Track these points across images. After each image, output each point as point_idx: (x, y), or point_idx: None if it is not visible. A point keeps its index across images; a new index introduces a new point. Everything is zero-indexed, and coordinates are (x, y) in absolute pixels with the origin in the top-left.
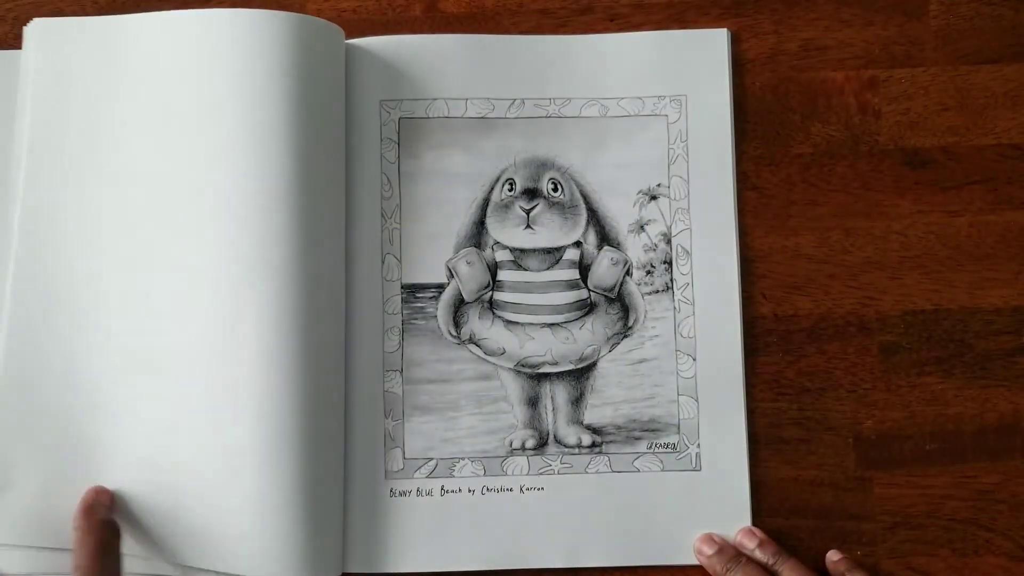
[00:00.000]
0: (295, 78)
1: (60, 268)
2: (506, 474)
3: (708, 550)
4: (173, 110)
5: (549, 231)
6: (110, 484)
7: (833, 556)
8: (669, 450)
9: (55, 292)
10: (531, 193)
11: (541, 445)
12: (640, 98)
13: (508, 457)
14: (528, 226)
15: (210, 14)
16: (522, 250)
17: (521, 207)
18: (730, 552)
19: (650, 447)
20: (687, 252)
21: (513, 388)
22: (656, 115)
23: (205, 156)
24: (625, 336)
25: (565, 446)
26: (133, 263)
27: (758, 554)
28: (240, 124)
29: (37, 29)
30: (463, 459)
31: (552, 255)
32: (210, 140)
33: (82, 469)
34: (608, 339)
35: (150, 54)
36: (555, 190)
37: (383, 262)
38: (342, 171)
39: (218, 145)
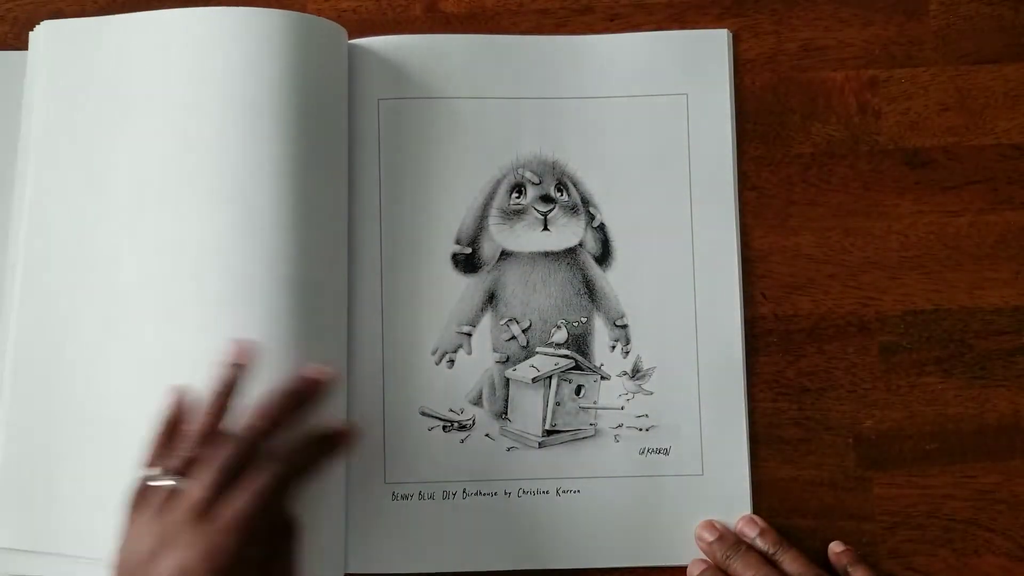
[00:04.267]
0: (298, 76)
1: (71, 273)
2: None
3: (709, 536)
4: (176, 108)
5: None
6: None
7: (836, 547)
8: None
9: (65, 296)
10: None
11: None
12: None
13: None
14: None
15: (213, 12)
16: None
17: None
18: (730, 539)
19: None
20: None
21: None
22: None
23: (208, 155)
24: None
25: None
26: (138, 260)
27: (759, 543)
28: (243, 121)
29: (43, 32)
30: None
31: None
32: (213, 138)
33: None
34: None
35: (154, 53)
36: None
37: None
38: (344, 170)
39: (221, 144)
